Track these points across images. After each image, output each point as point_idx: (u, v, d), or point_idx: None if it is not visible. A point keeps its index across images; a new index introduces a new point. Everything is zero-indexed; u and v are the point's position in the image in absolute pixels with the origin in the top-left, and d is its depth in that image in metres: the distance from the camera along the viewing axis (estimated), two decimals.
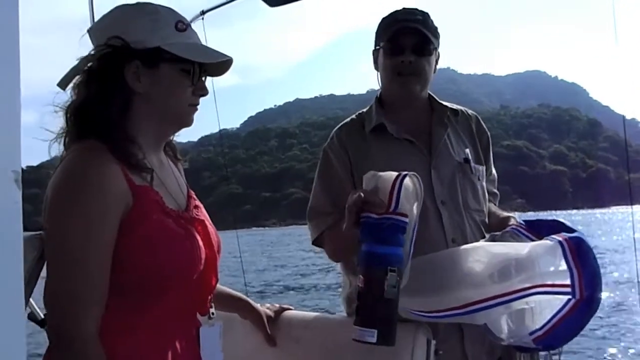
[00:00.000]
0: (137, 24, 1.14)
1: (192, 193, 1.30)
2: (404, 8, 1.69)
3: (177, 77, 1.16)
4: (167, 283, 1.10)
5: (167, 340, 1.13)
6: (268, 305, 1.61)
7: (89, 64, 1.13)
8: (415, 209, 1.27)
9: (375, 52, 1.74)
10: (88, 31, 1.19)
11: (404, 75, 1.64)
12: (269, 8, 2.37)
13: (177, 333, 1.16)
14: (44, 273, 1.07)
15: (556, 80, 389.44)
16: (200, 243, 1.16)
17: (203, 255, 1.16)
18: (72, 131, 1.13)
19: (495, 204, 1.77)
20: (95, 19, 2.75)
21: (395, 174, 1.25)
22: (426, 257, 1.37)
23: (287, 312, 1.61)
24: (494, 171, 1.81)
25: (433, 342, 1.39)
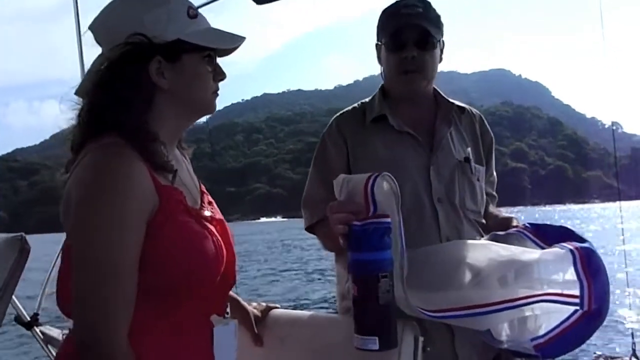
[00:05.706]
0: (151, 17, 1.07)
1: (204, 188, 1.25)
2: (403, 0, 1.63)
3: (199, 66, 1.12)
4: (193, 285, 1.06)
5: (188, 340, 1.10)
6: (255, 304, 1.57)
7: (105, 64, 1.06)
8: (395, 205, 1.21)
9: (377, 47, 1.69)
10: (90, 28, 1.12)
11: (408, 73, 1.60)
12: (237, 2, 2.34)
13: (198, 333, 1.13)
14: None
15: (520, 78, 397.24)
16: (221, 242, 1.12)
17: (225, 256, 1.12)
18: (87, 130, 1.06)
19: (493, 206, 1.73)
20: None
21: (365, 175, 1.19)
22: (428, 249, 1.31)
23: (274, 311, 1.58)
24: (494, 173, 1.77)
25: (421, 338, 1.38)
